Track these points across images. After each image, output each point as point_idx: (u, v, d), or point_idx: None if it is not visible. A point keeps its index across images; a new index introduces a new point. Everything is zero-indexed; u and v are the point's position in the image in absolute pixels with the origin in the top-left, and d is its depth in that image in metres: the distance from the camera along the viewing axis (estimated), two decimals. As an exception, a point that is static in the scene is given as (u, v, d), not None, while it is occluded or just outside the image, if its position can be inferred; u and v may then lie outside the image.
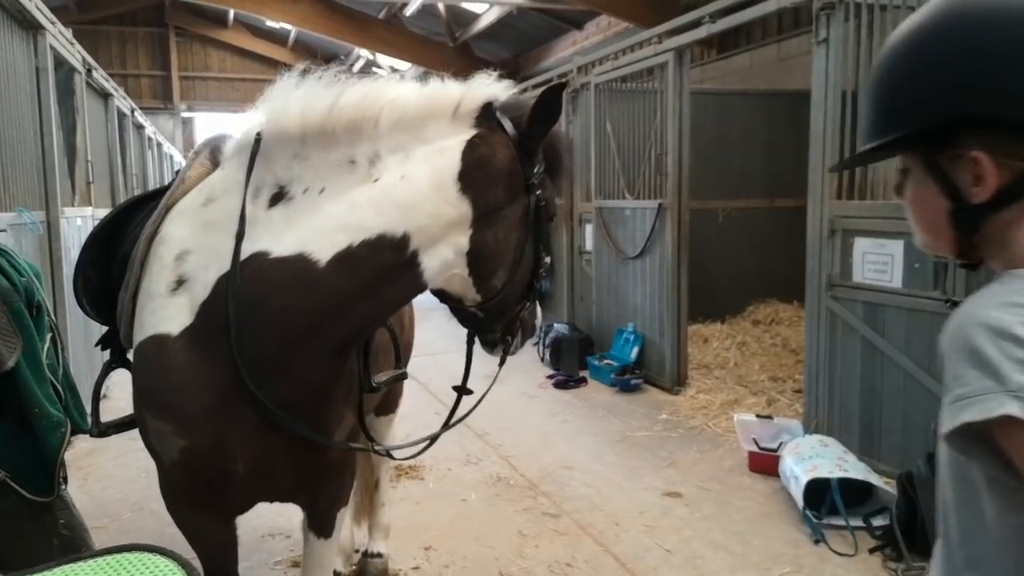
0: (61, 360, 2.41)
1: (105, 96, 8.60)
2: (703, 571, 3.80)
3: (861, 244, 5.14)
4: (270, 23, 22.82)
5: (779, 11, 5.96)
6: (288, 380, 1.97)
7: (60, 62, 6.30)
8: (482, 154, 1.98)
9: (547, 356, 8.43)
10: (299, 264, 1.89)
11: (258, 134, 2.01)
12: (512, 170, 2.02)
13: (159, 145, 15.04)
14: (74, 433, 2.35)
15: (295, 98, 1.96)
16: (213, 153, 2.32)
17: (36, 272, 2.37)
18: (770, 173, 9.29)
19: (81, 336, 6.18)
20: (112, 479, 5.08)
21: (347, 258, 1.89)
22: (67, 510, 2.32)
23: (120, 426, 2.49)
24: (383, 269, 1.92)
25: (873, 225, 5.04)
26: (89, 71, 7.24)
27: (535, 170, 2.06)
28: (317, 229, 1.91)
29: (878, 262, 5.00)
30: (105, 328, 2.41)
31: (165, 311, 2.00)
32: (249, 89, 25.22)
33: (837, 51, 5.28)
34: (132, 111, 10.95)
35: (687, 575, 3.76)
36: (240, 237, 1.94)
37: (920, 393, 4.66)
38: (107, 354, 2.45)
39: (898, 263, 4.83)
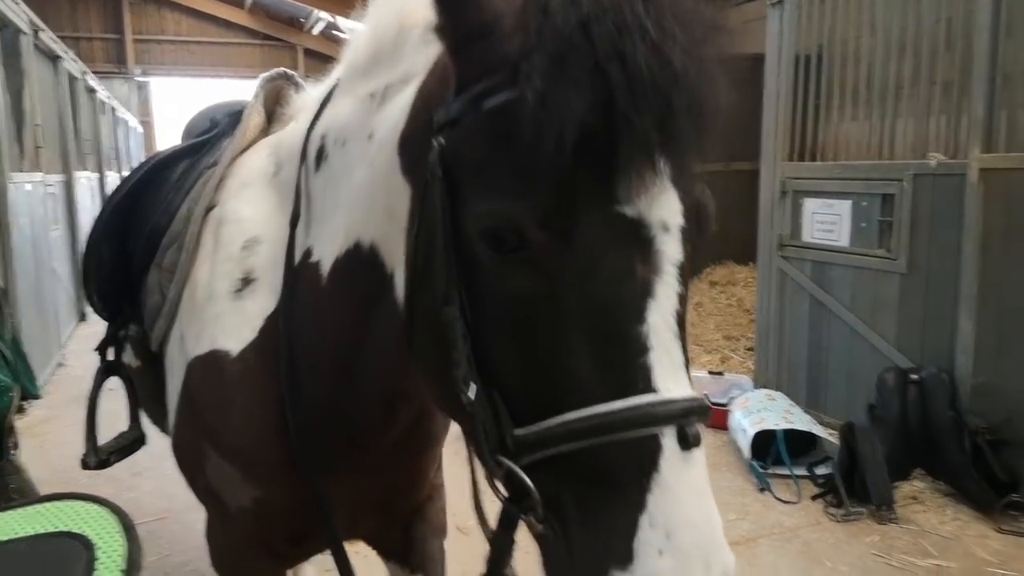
0: (9, 325, 2.39)
1: (54, 59, 8.39)
2: None
3: (811, 205, 5.26)
4: (226, -16, 22.25)
5: (735, -27, 6.00)
6: (344, 432, 1.50)
7: (5, 23, 6.13)
8: (428, 88, 1.16)
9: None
10: (314, 271, 1.43)
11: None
12: (432, 94, 1.13)
13: (113, 110, 14.67)
14: (24, 399, 2.32)
15: (384, 8, 1.36)
16: (275, 94, 1.83)
17: None
18: (751, 136, 9.38)
19: (33, 302, 6.10)
20: (69, 446, 5.04)
21: (339, 271, 1.38)
22: (17, 475, 2.34)
23: (123, 451, 2.04)
24: (367, 296, 1.32)
25: (822, 186, 5.15)
26: (36, 32, 7.04)
27: (464, 96, 1.00)
28: (325, 215, 1.43)
29: (826, 222, 5.12)
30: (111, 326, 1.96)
31: (226, 319, 1.54)
32: (207, 53, 24.65)
33: (791, 13, 5.34)
34: (83, 74, 10.67)
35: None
36: (295, 220, 1.48)
37: (864, 348, 4.82)
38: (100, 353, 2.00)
39: (845, 223, 4.96)
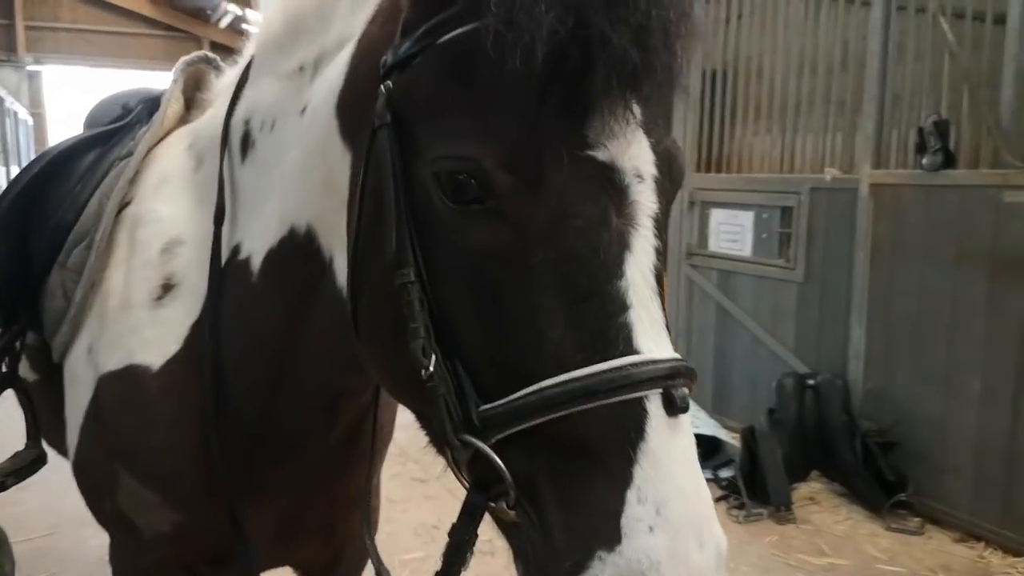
0: None
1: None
2: (564, 526, 3.97)
3: (717, 215, 5.44)
4: (127, -28, 21.31)
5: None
6: (280, 444, 1.40)
7: None
8: (370, 37, 1.08)
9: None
10: (244, 269, 1.32)
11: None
12: (376, 42, 1.04)
13: (0, 100, 13.79)
14: None
15: None
16: (195, 79, 1.72)
17: None
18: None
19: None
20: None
21: (272, 263, 1.29)
22: None
23: (20, 472, 1.86)
24: (304, 286, 1.25)
25: (727, 197, 5.33)
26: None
27: (416, 32, 0.92)
28: (254, 207, 1.33)
29: (731, 232, 5.30)
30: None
31: (146, 330, 1.41)
32: (104, 42, 23.47)
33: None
34: (-34, 61, 9.98)
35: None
36: (219, 216, 1.35)
37: (765, 355, 5.02)
38: None
39: (748, 233, 5.15)
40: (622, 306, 0.81)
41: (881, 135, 4.27)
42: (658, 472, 0.77)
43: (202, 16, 23.70)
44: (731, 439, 4.67)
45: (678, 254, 5.73)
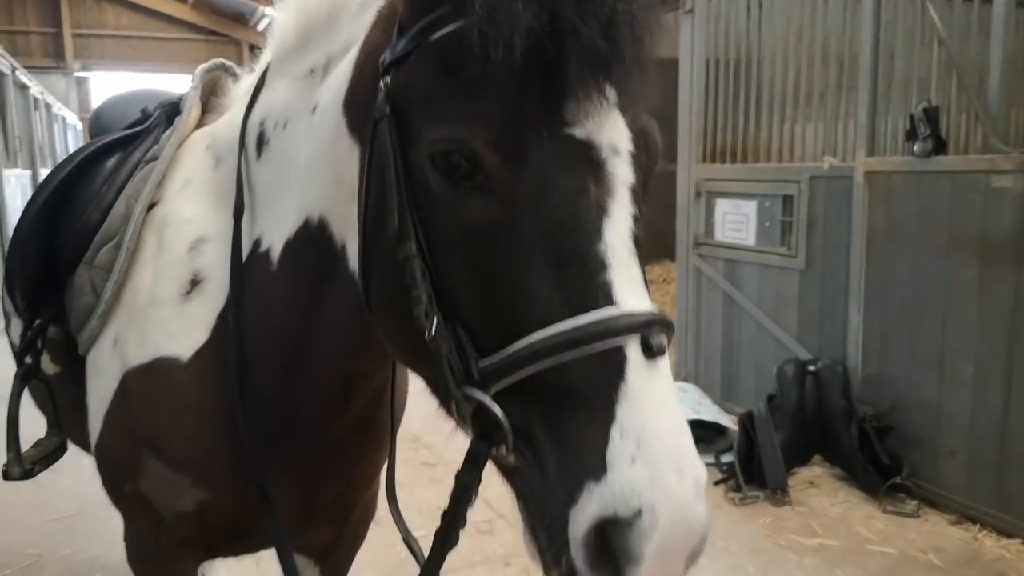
0: None
1: (-21, 56, 8.24)
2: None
3: (722, 205, 5.51)
4: (169, -22, 21.88)
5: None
6: (300, 426, 1.50)
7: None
8: (372, 41, 1.19)
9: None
10: (264, 259, 1.41)
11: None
12: (377, 45, 1.16)
13: (48, 106, 14.37)
14: None
15: None
16: (212, 85, 1.81)
17: None
18: (668, 138, 9.64)
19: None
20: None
21: (290, 253, 1.38)
22: None
23: (46, 459, 1.95)
24: (318, 273, 1.34)
25: (731, 187, 5.40)
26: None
27: (410, 33, 1.04)
28: (271, 201, 1.42)
29: (736, 222, 5.37)
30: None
31: (174, 323, 1.49)
32: (148, 48, 24.20)
33: (702, 21, 5.57)
34: (13, 70, 10.48)
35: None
36: (239, 213, 1.45)
37: (769, 341, 5.08)
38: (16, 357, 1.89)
39: (752, 222, 5.21)
40: (602, 265, 0.91)
41: (874, 123, 4.31)
42: (638, 410, 0.85)
43: (241, 20, 24.23)
44: (734, 425, 4.75)
45: (686, 244, 5.81)
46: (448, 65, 0.96)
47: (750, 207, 5.21)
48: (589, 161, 0.94)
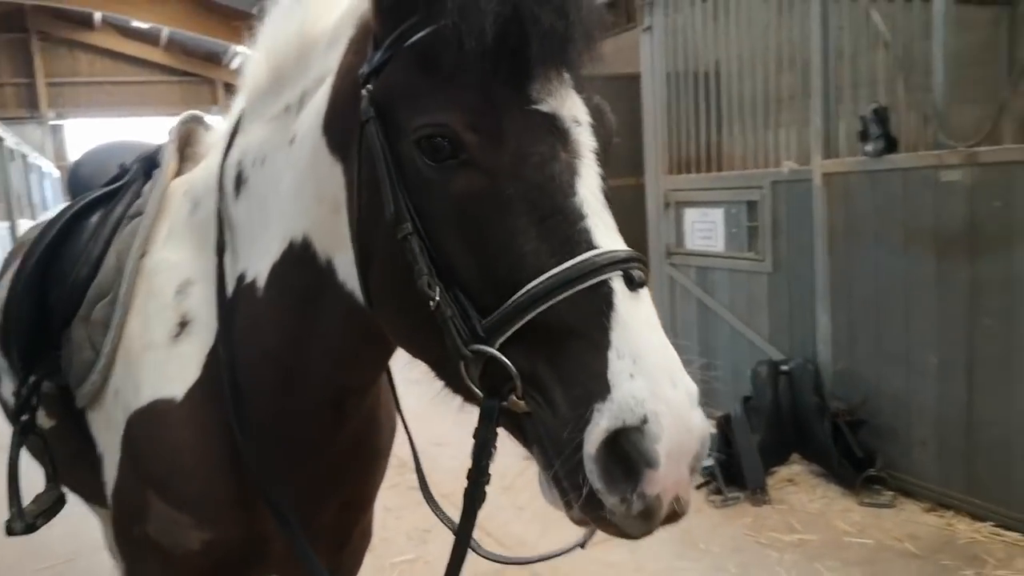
0: None
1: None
2: (547, 522, 4.16)
3: (690, 214, 5.63)
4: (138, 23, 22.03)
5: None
6: (293, 449, 1.55)
7: None
8: (347, 64, 1.29)
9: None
10: (250, 289, 1.49)
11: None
12: (353, 65, 1.25)
13: (23, 156, 14.39)
14: None
15: (267, 32, 1.52)
16: (186, 136, 1.88)
17: None
18: (635, 152, 9.87)
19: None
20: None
21: (276, 277, 1.45)
22: None
23: (47, 513, 1.97)
24: (306, 291, 1.41)
25: (698, 196, 5.53)
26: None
27: (384, 45, 1.16)
28: (253, 236, 1.50)
29: (704, 229, 5.49)
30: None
31: (167, 366, 1.55)
32: (122, 92, 24.31)
33: (660, 38, 5.73)
34: (-14, 122, 10.51)
35: (535, 527, 4.12)
36: (220, 249, 1.53)
37: (743, 344, 5.18)
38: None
39: (720, 229, 5.33)
40: (579, 216, 1.03)
41: (829, 126, 4.44)
42: (629, 333, 0.96)
43: (214, 59, 24.37)
44: (713, 429, 4.83)
45: (659, 255, 5.92)
46: (424, 64, 1.08)
47: (717, 215, 5.33)
48: (556, 130, 1.07)
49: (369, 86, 1.15)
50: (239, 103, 1.61)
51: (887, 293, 4.17)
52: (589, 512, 0.97)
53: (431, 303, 1.05)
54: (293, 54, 1.43)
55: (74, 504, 1.93)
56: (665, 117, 5.76)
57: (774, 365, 4.72)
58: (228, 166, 1.55)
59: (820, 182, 4.45)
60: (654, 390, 0.92)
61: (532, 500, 4.42)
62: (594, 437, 0.93)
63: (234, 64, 22.34)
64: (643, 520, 0.95)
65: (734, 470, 4.38)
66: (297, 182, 1.38)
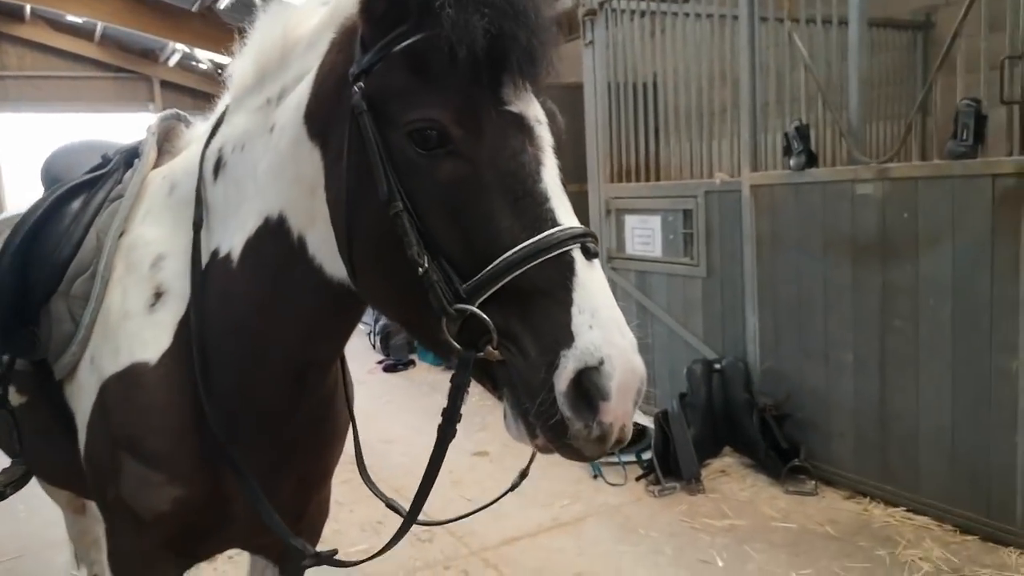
0: None
1: None
2: (497, 513, 4.34)
3: (630, 221, 5.91)
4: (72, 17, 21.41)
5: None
6: (256, 417, 1.69)
7: None
8: (330, 62, 1.47)
9: (377, 343, 8.82)
10: (224, 262, 1.65)
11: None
12: (337, 64, 1.44)
13: (-49, 152, 13.88)
14: None
15: (254, 36, 1.70)
16: (166, 132, 2.04)
17: None
18: (579, 160, 10.14)
19: None
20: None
21: (250, 250, 1.61)
22: None
23: (16, 483, 2.11)
24: (277, 263, 1.57)
25: (638, 204, 5.81)
26: None
27: (374, 48, 1.33)
28: (228, 215, 1.66)
29: (644, 236, 5.78)
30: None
31: (144, 333, 1.70)
32: (53, 87, 23.45)
33: (601, 52, 5.99)
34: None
35: (483, 518, 4.31)
36: (198, 225, 1.69)
37: (680, 345, 5.48)
38: None
39: (657, 236, 5.62)
40: (545, 198, 1.24)
41: (756, 141, 4.77)
42: (587, 292, 1.17)
43: (151, 56, 23.76)
44: (652, 425, 5.11)
45: (601, 258, 6.16)
46: (415, 66, 1.27)
47: (655, 222, 5.62)
48: (524, 128, 1.28)
49: (360, 83, 1.32)
50: (225, 98, 1.79)
51: (808, 296, 4.51)
52: (554, 439, 1.18)
53: (420, 269, 1.23)
54: (276, 55, 1.61)
55: (19, 504, 1.98)
56: (607, 127, 6.03)
57: (708, 364, 5.02)
58: (209, 153, 1.71)
59: (748, 193, 4.76)
60: (608, 338, 1.13)
61: (481, 494, 4.63)
62: (564, 376, 1.13)
63: (172, 61, 21.90)
64: (598, 443, 1.16)
65: (671, 462, 4.66)
66: (276, 165, 1.55)
